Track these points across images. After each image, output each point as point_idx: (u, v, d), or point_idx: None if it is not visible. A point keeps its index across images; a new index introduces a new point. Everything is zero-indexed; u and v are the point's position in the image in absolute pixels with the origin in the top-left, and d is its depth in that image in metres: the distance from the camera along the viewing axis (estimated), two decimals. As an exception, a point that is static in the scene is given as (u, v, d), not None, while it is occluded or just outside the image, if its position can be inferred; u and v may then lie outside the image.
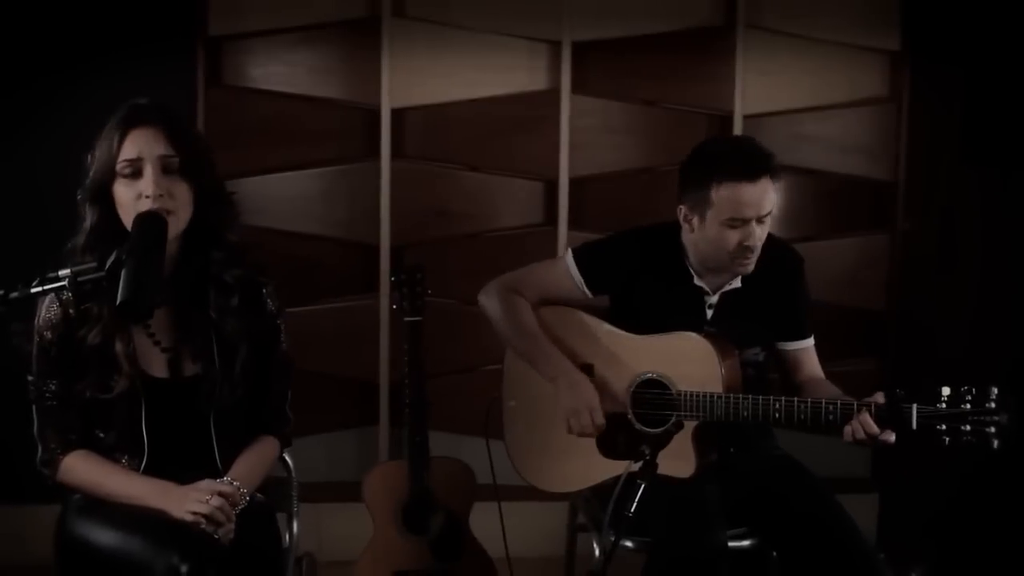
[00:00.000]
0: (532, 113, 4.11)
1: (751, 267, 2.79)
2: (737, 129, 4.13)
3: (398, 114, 4.07)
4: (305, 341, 4.06)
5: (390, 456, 4.08)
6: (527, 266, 3.01)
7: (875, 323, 4.33)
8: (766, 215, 2.73)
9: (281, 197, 4.07)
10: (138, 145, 2.28)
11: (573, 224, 4.13)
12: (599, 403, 2.80)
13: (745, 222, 2.71)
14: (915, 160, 4.22)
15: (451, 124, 4.11)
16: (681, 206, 2.80)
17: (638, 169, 4.17)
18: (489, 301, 2.98)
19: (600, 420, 2.80)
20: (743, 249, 2.73)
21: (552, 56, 4.10)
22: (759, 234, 2.73)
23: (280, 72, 4.04)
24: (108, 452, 2.37)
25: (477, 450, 3.15)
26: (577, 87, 4.10)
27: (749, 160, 2.71)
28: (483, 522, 3.33)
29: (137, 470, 2.36)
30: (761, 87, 4.15)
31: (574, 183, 4.14)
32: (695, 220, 2.77)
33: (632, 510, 2.36)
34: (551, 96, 4.10)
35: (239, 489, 2.35)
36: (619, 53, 4.13)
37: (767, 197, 2.71)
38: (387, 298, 4.01)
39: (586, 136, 4.14)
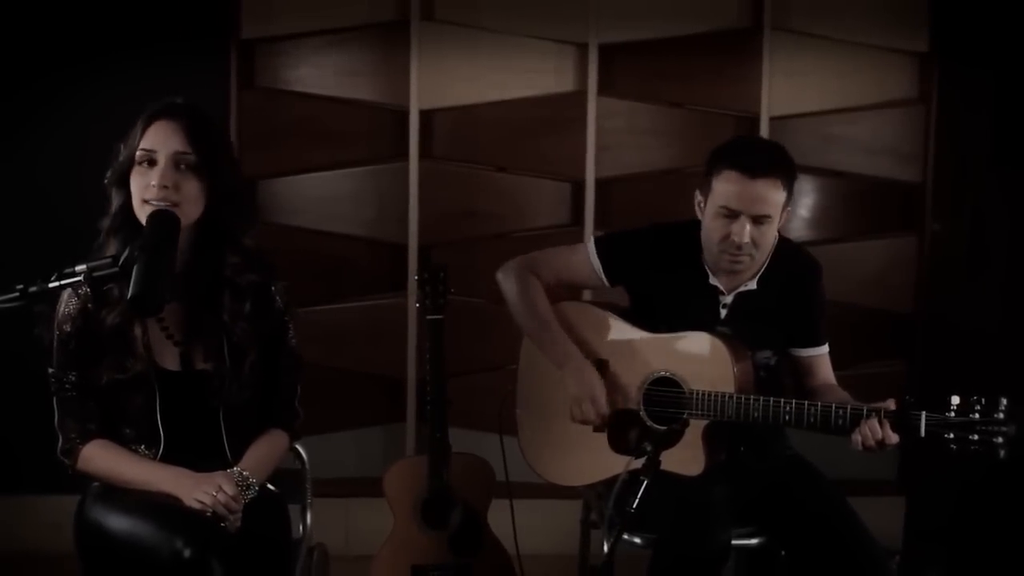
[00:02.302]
0: (559, 115, 4.16)
1: (740, 267, 2.80)
2: (764, 131, 4.14)
3: (427, 115, 4.13)
4: (335, 339, 4.17)
5: (417, 452, 4.14)
6: (548, 249, 3.05)
7: (903, 325, 4.32)
8: (762, 216, 2.72)
9: (312, 197, 4.16)
10: (156, 137, 2.37)
11: (599, 224, 4.16)
12: (603, 393, 2.83)
13: (735, 214, 2.72)
14: (944, 162, 4.20)
15: (479, 125, 4.16)
16: (697, 191, 2.84)
17: (664, 170, 4.19)
18: (506, 279, 3.02)
19: (603, 409, 2.83)
20: (729, 243, 2.74)
21: (579, 58, 4.14)
22: (752, 233, 2.73)
23: (311, 74, 4.13)
24: (127, 443, 2.45)
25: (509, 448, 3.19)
26: (604, 89, 4.14)
27: (755, 157, 2.73)
28: (502, 519, 3.37)
29: (154, 459, 2.44)
30: (788, 89, 4.16)
31: (600, 184, 4.18)
32: (702, 205, 2.81)
33: (635, 506, 2.40)
34: (578, 98, 4.14)
35: (248, 480, 2.42)
36: (646, 55, 4.16)
37: (763, 198, 2.71)
38: (414, 297, 4.06)
39: (612, 137, 4.17)
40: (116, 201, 2.42)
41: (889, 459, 4.32)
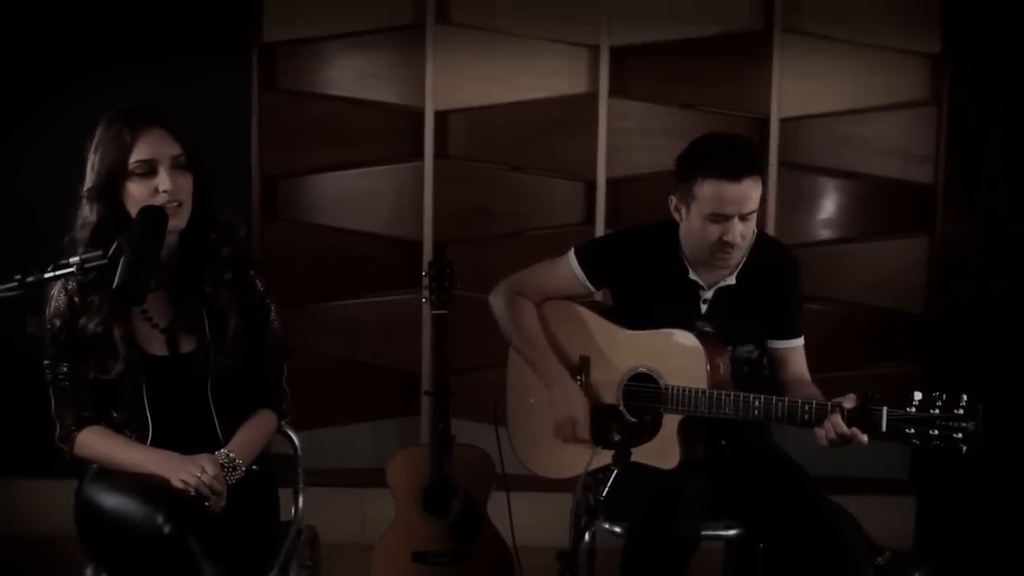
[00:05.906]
0: (572, 116, 4.23)
1: (732, 262, 2.88)
2: (774, 132, 4.18)
3: (442, 116, 4.23)
4: (352, 333, 4.30)
5: (430, 444, 4.24)
6: (532, 267, 3.14)
7: (914, 326, 4.32)
8: (749, 213, 2.81)
9: (331, 195, 4.28)
10: (151, 146, 2.48)
11: (611, 223, 4.22)
12: (586, 416, 2.94)
13: (727, 218, 2.80)
14: (955, 163, 4.19)
15: (493, 126, 4.25)
16: (672, 196, 2.91)
17: (674, 171, 4.23)
18: (496, 303, 3.13)
19: (583, 434, 2.94)
20: (723, 244, 2.83)
21: (591, 60, 4.21)
22: (741, 230, 2.82)
23: (331, 76, 4.25)
24: (118, 429, 2.58)
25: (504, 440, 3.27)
26: (615, 90, 4.20)
27: (733, 161, 2.80)
28: (502, 511, 3.47)
29: (144, 443, 2.56)
30: (799, 90, 4.19)
31: (612, 184, 4.24)
32: (683, 211, 2.89)
33: (604, 494, 2.49)
34: (590, 99, 4.21)
35: (234, 461, 2.54)
36: (657, 57, 4.21)
37: (750, 196, 2.80)
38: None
39: (624, 138, 4.23)
40: (97, 212, 2.49)
41: (902, 458, 4.34)
